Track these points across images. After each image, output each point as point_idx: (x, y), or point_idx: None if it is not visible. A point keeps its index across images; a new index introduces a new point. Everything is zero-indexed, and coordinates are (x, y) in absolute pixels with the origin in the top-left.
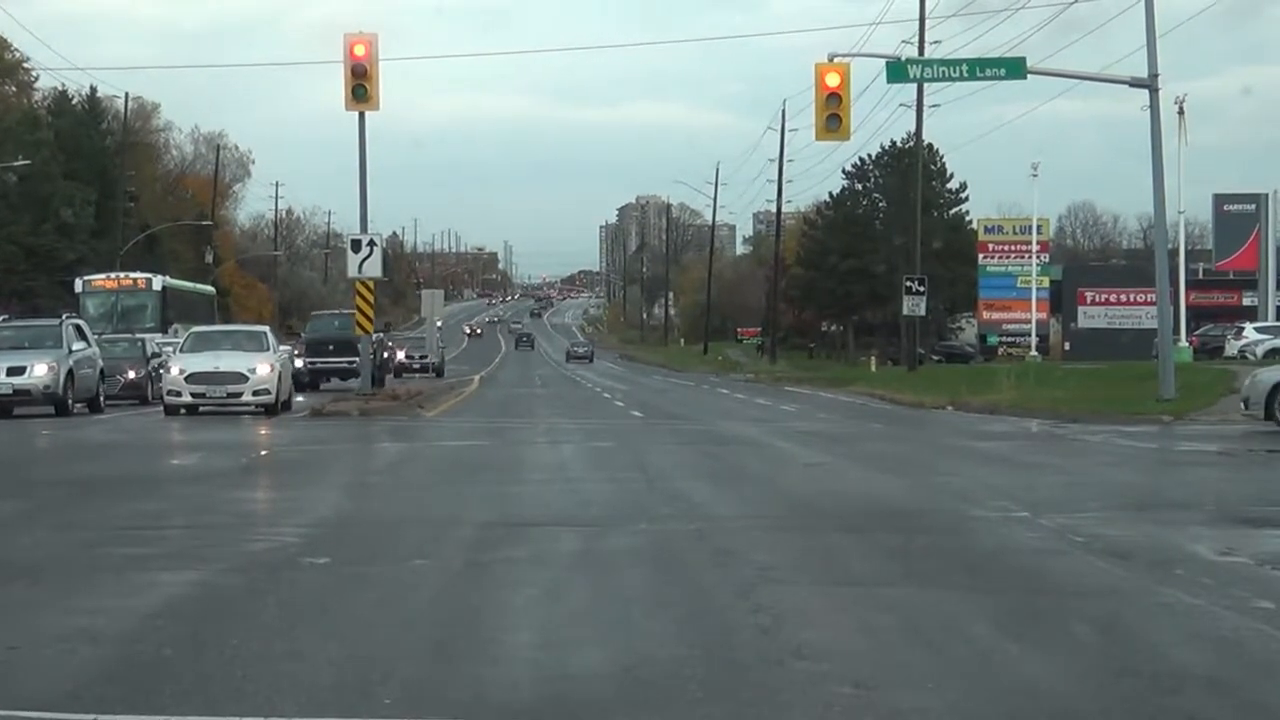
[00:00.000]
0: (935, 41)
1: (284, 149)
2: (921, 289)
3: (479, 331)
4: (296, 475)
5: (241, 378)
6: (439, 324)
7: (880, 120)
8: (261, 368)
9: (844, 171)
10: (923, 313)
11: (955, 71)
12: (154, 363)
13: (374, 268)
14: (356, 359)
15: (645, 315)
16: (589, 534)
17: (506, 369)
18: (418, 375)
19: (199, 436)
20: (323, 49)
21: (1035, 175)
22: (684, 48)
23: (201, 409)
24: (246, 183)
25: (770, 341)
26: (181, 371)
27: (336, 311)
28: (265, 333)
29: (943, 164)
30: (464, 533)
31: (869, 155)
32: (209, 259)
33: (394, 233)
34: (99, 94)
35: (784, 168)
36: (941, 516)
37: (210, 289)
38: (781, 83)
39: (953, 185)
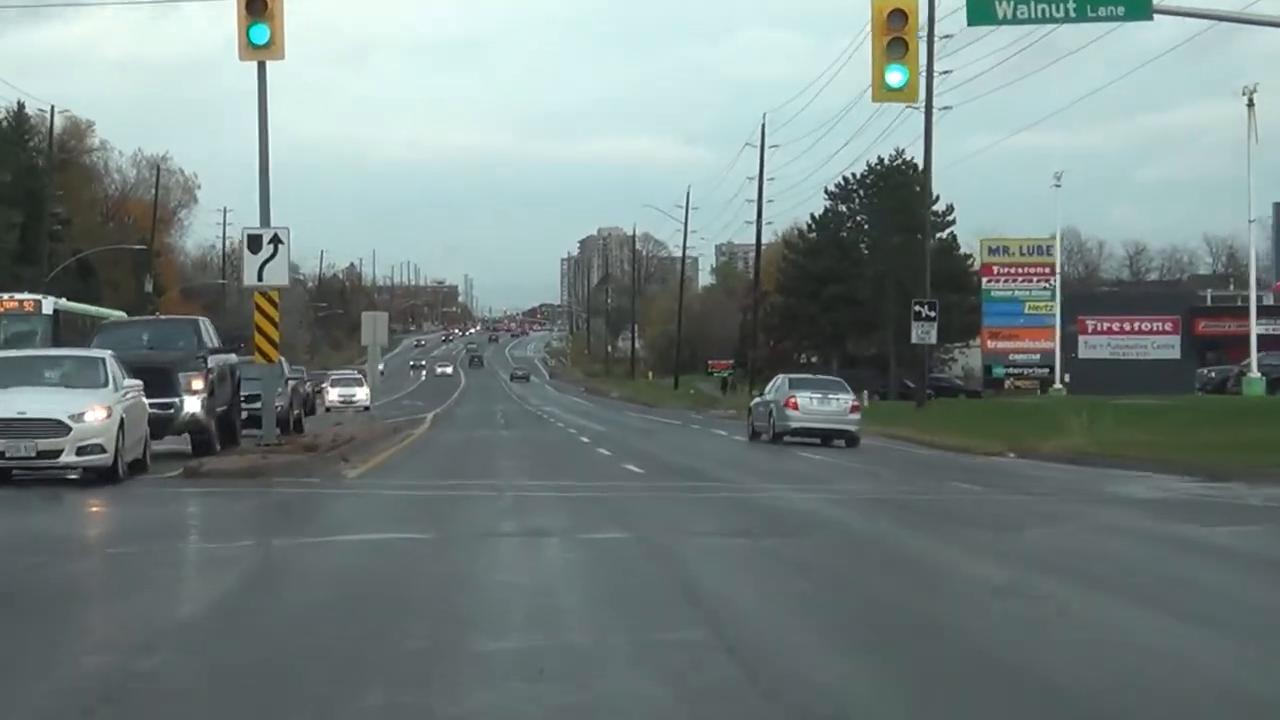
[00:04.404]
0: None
1: (233, 176)
2: (933, 314)
3: (383, 371)
4: (29, 637)
5: (59, 428)
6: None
7: (869, 139)
8: (92, 413)
9: (826, 191)
10: (934, 340)
11: (1059, 11)
12: None
13: (278, 273)
14: (175, 398)
15: (610, 348)
16: None
17: (464, 405)
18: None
19: None
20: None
21: (1058, 185)
22: (647, 81)
23: (12, 473)
24: (193, 209)
25: (749, 374)
26: None
27: (144, 319)
28: (104, 360)
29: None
30: None
31: (853, 175)
32: (149, 288)
33: (351, 264)
34: (26, 109)
35: (764, 187)
36: None
37: (120, 315)
38: (746, 118)
39: (939, 208)
